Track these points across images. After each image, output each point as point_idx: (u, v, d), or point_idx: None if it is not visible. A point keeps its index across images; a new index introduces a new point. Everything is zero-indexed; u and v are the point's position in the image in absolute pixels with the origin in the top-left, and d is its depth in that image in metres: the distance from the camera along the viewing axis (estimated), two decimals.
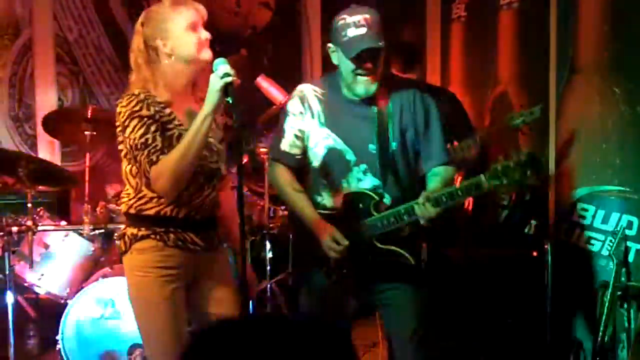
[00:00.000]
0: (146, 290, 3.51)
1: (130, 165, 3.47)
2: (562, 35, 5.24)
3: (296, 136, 3.84)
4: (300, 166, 3.89)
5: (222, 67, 3.28)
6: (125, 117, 3.38)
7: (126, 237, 3.52)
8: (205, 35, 3.50)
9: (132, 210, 3.51)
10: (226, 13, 7.91)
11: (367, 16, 3.60)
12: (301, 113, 3.83)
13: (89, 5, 7.73)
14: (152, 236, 3.47)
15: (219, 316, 3.59)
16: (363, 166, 3.77)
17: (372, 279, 3.86)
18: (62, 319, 5.06)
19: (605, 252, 4.88)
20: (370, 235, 3.74)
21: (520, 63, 6.06)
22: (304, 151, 3.86)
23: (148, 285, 3.50)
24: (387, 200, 3.78)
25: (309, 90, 3.87)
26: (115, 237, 3.63)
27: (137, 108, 3.37)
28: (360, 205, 3.75)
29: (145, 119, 3.36)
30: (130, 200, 3.51)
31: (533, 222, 5.72)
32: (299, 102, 3.85)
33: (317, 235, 3.77)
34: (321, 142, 3.79)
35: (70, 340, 5.05)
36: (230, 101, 3.24)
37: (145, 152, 3.34)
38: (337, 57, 3.73)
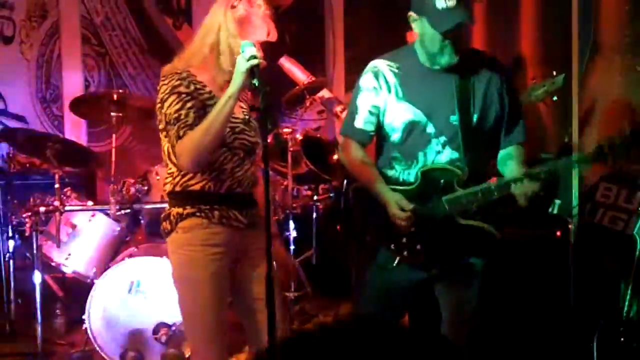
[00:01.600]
0: (192, 269, 3.55)
1: (169, 144, 3.52)
2: (584, 14, 5.21)
3: (370, 112, 3.74)
4: (371, 143, 3.82)
5: (249, 50, 3.32)
6: (164, 93, 3.45)
7: (171, 217, 3.56)
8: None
9: (177, 188, 3.55)
10: None
11: None
12: (375, 88, 3.73)
13: None
14: (198, 214, 3.52)
15: (260, 295, 3.63)
16: (442, 138, 3.67)
17: (445, 256, 3.79)
18: (89, 298, 5.10)
19: (629, 232, 4.88)
20: (452, 210, 3.66)
21: (542, 42, 6.03)
22: (378, 127, 3.77)
23: (194, 264, 3.54)
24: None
25: (383, 65, 3.75)
26: (161, 219, 3.65)
27: (176, 84, 3.43)
28: (442, 180, 3.67)
29: (183, 95, 3.41)
30: (175, 178, 3.56)
31: (557, 201, 5.71)
32: (372, 77, 3.74)
33: (386, 206, 3.67)
34: (399, 116, 3.70)
35: (96, 319, 5.08)
36: (257, 84, 3.28)
37: (176, 126, 3.39)
38: (420, 25, 3.61)
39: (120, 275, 5.14)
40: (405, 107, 3.67)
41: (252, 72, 3.29)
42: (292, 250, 6.39)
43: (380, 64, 3.75)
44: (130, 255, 5.27)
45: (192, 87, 3.45)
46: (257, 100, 3.33)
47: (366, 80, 3.75)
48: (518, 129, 3.80)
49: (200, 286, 3.54)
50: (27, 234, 5.46)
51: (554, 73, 3.65)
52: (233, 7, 3.53)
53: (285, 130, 6.19)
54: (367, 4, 7.69)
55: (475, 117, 3.67)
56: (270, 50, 3.56)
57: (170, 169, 3.58)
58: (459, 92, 3.65)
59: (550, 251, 5.24)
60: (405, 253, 3.73)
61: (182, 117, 3.39)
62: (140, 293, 5.13)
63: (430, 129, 3.65)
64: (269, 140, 3.37)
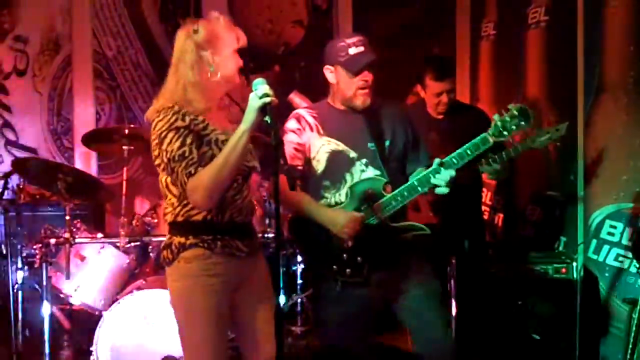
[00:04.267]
0: (192, 299, 3.56)
1: (169, 177, 3.55)
2: (590, 54, 5.26)
3: (295, 149, 4.11)
4: (302, 177, 4.12)
5: (262, 87, 3.37)
6: (162, 130, 3.46)
7: (173, 246, 3.57)
8: (240, 62, 3.64)
9: (179, 218, 3.57)
10: (260, 31, 7.99)
11: (362, 38, 4.10)
12: (298, 129, 4.13)
13: (127, 22, 7.87)
14: (200, 244, 3.53)
15: (260, 322, 3.68)
16: (364, 160, 4.05)
17: (388, 267, 4.00)
18: (96, 330, 5.12)
19: (633, 269, 4.90)
20: (383, 216, 3.97)
21: (548, 81, 6.06)
22: (305, 162, 4.12)
23: (194, 294, 3.55)
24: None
25: (302, 111, 4.23)
26: (161, 247, 3.68)
27: (173, 119, 3.45)
28: (369, 189, 3.99)
29: (182, 129, 3.44)
30: (175, 209, 3.57)
31: (562, 238, 5.73)
32: (295, 121, 4.18)
33: (329, 222, 3.98)
34: (322, 148, 4.09)
35: (103, 351, 5.09)
36: (269, 121, 3.33)
37: (183, 163, 3.41)
38: (335, 75, 4.12)
39: (128, 307, 5.16)
40: (326, 140, 4.08)
41: (264, 109, 3.34)
42: (298, 285, 6.39)
43: (300, 111, 4.25)
44: (139, 288, 5.28)
45: (187, 120, 3.47)
46: (269, 136, 3.37)
47: (290, 124, 4.19)
48: (422, 156, 4.22)
49: (202, 316, 3.55)
50: (36, 265, 5.48)
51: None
52: (195, 31, 3.58)
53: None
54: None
55: (387, 143, 4.09)
56: (281, 86, 3.62)
57: (169, 199, 3.60)
58: (371, 124, 4.09)
59: (555, 288, 5.25)
60: (348, 270, 3.98)
61: (187, 154, 3.42)
62: (148, 325, 5.13)
63: (352, 154, 4.05)
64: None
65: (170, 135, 3.45)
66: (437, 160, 3.91)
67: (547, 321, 5.24)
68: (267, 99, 3.34)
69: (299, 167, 4.10)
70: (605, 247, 5.16)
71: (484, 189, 6.29)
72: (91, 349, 5.13)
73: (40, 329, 5.27)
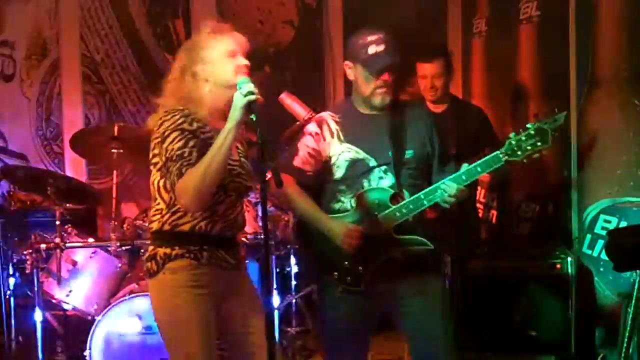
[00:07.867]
0: (179, 312, 3.50)
1: (163, 179, 3.50)
2: (582, 48, 5.26)
3: (309, 154, 4.02)
4: (309, 184, 4.04)
5: (246, 86, 3.35)
6: (166, 129, 3.43)
7: (158, 257, 3.51)
8: (243, 61, 3.58)
9: (166, 227, 3.51)
10: (250, 31, 7.96)
11: (382, 35, 3.91)
12: (317, 134, 4.02)
13: (115, 25, 7.82)
14: (186, 255, 3.49)
15: (247, 334, 3.64)
16: (384, 167, 3.93)
17: (390, 276, 3.93)
18: (90, 335, 5.09)
19: None
20: (387, 227, 3.86)
21: (540, 76, 6.08)
22: (316, 169, 4.02)
23: (181, 306, 3.50)
24: (406, 196, 3.89)
25: (326, 115, 4.09)
26: (144, 259, 3.62)
27: (180, 121, 3.43)
28: (377, 200, 3.89)
29: (186, 132, 3.42)
30: (163, 216, 3.53)
31: (556, 234, 5.73)
32: (315, 125, 4.06)
33: (330, 232, 3.91)
34: (342, 155, 3.96)
35: (97, 356, 5.07)
36: (254, 118, 3.31)
37: (178, 164, 3.37)
38: (354, 73, 3.98)
39: (121, 311, 5.13)
40: (347, 147, 3.96)
41: (249, 107, 3.32)
42: (293, 286, 6.38)
43: (324, 114, 4.12)
44: (131, 292, 5.25)
45: (194, 125, 3.45)
46: (255, 135, 3.34)
47: (310, 126, 4.10)
48: (450, 167, 4.05)
49: (189, 328, 3.49)
50: (27, 271, 5.45)
51: (556, 110, 3.71)
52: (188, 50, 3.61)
53: None
54: None
55: (409, 153, 3.95)
56: (271, 86, 3.58)
57: (158, 204, 3.55)
58: (391, 132, 3.96)
59: (550, 284, 5.24)
60: (348, 279, 3.93)
61: (186, 155, 3.38)
62: (142, 329, 5.10)
63: (372, 162, 3.94)
64: (267, 177, 3.38)
65: (174, 135, 3.41)
66: (446, 178, 3.79)
67: (542, 317, 5.23)
68: (252, 97, 3.31)
69: (308, 173, 4.03)
70: (600, 242, 5.16)
71: (478, 187, 6.29)
72: (85, 354, 5.11)
73: (33, 335, 5.24)
